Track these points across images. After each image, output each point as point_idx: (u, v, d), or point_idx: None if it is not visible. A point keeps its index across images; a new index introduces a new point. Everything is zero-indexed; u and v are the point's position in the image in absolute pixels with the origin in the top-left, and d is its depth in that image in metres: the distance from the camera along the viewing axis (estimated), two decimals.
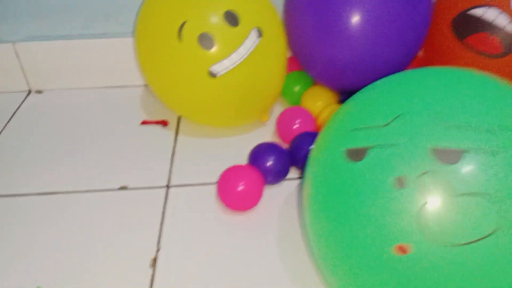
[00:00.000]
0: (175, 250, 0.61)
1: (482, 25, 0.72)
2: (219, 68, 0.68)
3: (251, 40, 0.68)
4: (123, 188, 0.72)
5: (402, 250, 0.35)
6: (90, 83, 0.96)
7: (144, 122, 0.87)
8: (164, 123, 0.86)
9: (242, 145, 0.77)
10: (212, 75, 0.68)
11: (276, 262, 0.58)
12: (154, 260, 0.60)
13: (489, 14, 0.71)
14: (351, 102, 0.45)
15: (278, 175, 0.68)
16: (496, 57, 0.72)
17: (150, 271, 0.58)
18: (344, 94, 0.83)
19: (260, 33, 0.69)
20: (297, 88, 0.88)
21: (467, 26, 0.73)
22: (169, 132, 0.84)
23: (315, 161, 0.45)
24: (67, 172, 0.75)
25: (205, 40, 0.66)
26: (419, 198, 0.35)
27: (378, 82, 0.45)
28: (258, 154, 0.68)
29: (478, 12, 0.72)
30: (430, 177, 0.35)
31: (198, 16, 0.66)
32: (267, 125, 0.84)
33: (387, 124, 0.38)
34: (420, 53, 0.83)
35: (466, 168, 0.34)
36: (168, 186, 0.72)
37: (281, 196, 0.69)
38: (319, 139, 0.47)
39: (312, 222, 0.43)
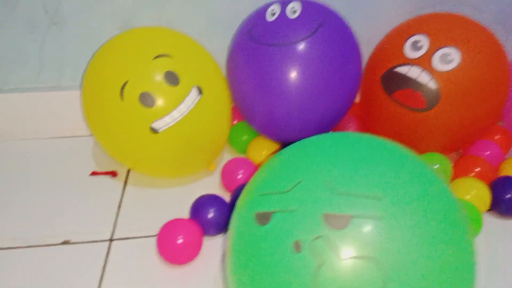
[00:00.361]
0: None
1: (407, 82, 0.78)
2: (161, 124, 0.71)
3: (191, 98, 0.72)
4: (66, 242, 0.73)
5: None
6: (41, 133, 0.97)
7: (93, 173, 0.88)
8: (113, 173, 0.88)
9: (189, 195, 0.79)
10: (154, 131, 0.71)
11: None
12: None
13: (412, 72, 0.77)
14: (265, 166, 0.49)
15: (219, 227, 0.71)
16: (421, 111, 0.78)
17: None
18: (287, 144, 0.87)
19: (200, 91, 0.73)
20: (244, 137, 0.92)
21: (394, 83, 0.79)
22: (117, 183, 0.86)
23: (234, 221, 0.48)
24: (9, 226, 0.75)
25: (146, 98, 0.70)
26: (313, 261, 0.38)
27: (292, 146, 0.49)
28: (199, 206, 0.71)
29: (403, 70, 0.78)
30: (322, 241, 0.38)
31: (139, 77, 0.70)
32: (214, 175, 0.87)
33: (289, 190, 0.42)
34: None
35: (354, 233, 0.38)
36: (111, 240, 0.73)
37: (221, 247, 0.71)
38: (239, 200, 0.50)
39: (230, 281, 0.46)
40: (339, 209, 0.39)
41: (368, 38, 0.90)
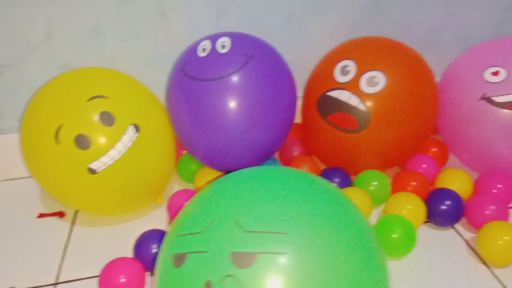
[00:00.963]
0: None
1: (339, 105, 0.81)
2: (98, 164, 0.72)
3: (128, 136, 0.73)
4: None
5: None
6: None
7: (41, 215, 0.88)
8: (61, 214, 0.88)
9: (136, 231, 0.79)
10: (92, 171, 0.72)
11: None
12: None
13: (343, 95, 0.81)
14: (187, 205, 0.50)
15: None
16: (353, 132, 0.81)
17: None
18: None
19: (137, 129, 0.75)
20: (192, 167, 0.93)
21: (328, 106, 0.83)
22: (65, 224, 0.86)
23: (158, 262, 0.49)
24: None
25: (81, 140, 0.71)
26: None
27: (213, 183, 0.51)
28: (141, 243, 0.72)
29: (334, 93, 0.82)
30: (231, 280, 0.40)
31: (74, 119, 0.71)
32: (163, 207, 0.88)
33: (202, 231, 0.44)
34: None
35: (260, 269, 0.40)
36: (56, 284, 0.73)
37: None
38: (164, 240, 0.51)
39: None
40: (245, 247, 0.41)
41: (304, 64, 0.94)
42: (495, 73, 0.80)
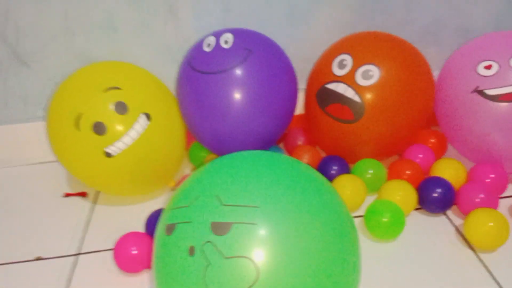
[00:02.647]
0: None
1: (336, 97, 0.86)
2: (113, 149, 0.80)
3: (140, 124, 0.81)
4: (38, 258, 0.82)
5: None
6: (19, 161, 1.08)
7: (67, 195, 0.98)
8: (84, 194, 0.98)
9: (150, 210, 0.88)
10: (108, 154, 0.81)
11: None
12: None
13: (340, 88, 0.86)
14: (182, 184, 0.58)
15: None
16: (350, 123, 0.86)
17: None
18: None
19: (148, 117, 0.83)
20: (202, 154, 1.01)
21: (326, 98, 0.88)
22: (87, 203, 0.96)
23: (156, 231, 0.57)
24: None
25: (99, 127, 0.79)
26: (203, 262, 0.47)
27: (205, 165, 0.58)
28: (152, 220, 0.80)
29: (332, 86, 0.87)
30: (210, 245, 0.47)
31: (92, 109, 0.79)
32: (175, 190, 0.96)
33: (190, 205, 0.51)
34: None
35: (234, 237, 0.47)
36: (78, 254, 0.82)
37: None
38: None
39: (154, 279, 0.55)
40: (223, 218, 0.48)
41: (306, 58, 1.00)
42: (488, 67, 0.82)
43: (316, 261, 0.47)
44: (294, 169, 0.55)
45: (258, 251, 0.46)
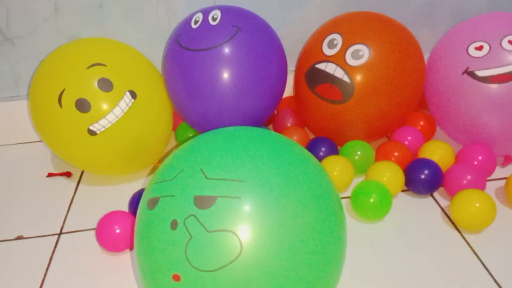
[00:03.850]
0: None
1: (325, 77, 0.85)
2: (97, 127, 0.78)
3: (125, 102, 0.79)
4: (19, 238, 0.80)
5: (176, 278, 0.46)
6: (2, 140, 1.05)
7: (50, 175, 0.96)
8: (68, 174, 0.96)
9: (134, 190, 0.87)
10: (92, 132, 0.79)
11: None
12: None
13: (329, 67, 0.85)
14: (165, 159, 0.56)
15: None
16: (339, 103, 0.85)
17: None
18: None
19: (134, 95, 0.81)
20: (189, 134, 0.99)
21: (315, 78, 0.87)
22: (71, 183, 0.94)
23: (139, 207, 0.55)
24: None
25: (82, 104, 0.77)
26: (185, 236, 0.46)
27: (190, 141, 0.57)
28: (134, 199, 0.79)
29: (321, 66, 0.86)
30: (193, 219, 0.46)
31: (75, 85, 0.77)
32: None
33: (173, 178, 0.49)
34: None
35: (218, 210, 0.45)
36: (60, 234, 0.81)
37: None
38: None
39: (136, 254, 0.54)
40: (207, 192, 0.46)
41: (298, 39, 0.98)
42: (479, 48, 0.82)
43: (301, 236, 0.46)
44: (280, 144, 0.54)
45: (242, 226, 0.45)
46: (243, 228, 0.45)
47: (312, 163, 0.54)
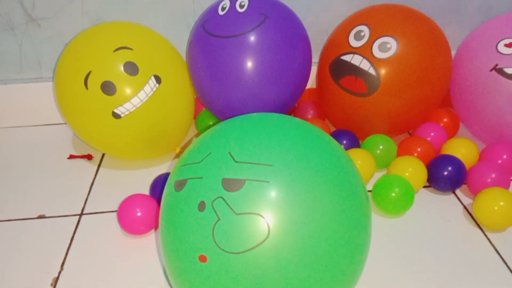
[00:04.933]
0: (77, 271, 0.70)
1: (351, 68, 0.84)
2: (122, 110, 0.79)
3: (150, 86, 0.80)
4: (41, 216, 0.81)
5: (203, 259, 0.46)
6: (25, 122, 1.06)
7: (71, 156, 0.97)
8: (89, 156, 0.97)
9: (155, 175, 0.87)
10: (117, 116, 0.79)
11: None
12: (56, 279, 0.69)
13: (355, 59, 0.84)
14: (192, 143, 0.56)
15: None
16: (363, 96, 0.84)
17: None
18: None
19: (158, 80, 0.81)
20: (210, 122, 0.99)
21: (340, 70, 0.86)
22: (92, 166, 0.95)
23: (165, 189, 0.56)
24: None
25: (107, 87, 0.78)
26: (213, 217, 0.46)
27: (218, 124, 0.57)
28: (156, 183, 0.79)
29: (347, 57, 0.85)
30: (221, 201, 0.46)
31: (101, 67, 0.77)
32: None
33: (201, 161, 0.50)
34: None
35: (246, 193, 0.45)
36: (81, 214, 0.82)
37: None
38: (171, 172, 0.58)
39: (161, 235, 0.54)
40: (236, 175, 0.46)
41: (323, 29, 0.97)
42: (509, 45, 0.80)
43: (328, 223, 0.46)
44: (308, 131, 0.53)
45: (271, 209, 0.45)
46: (271, 212, 0.45)
47: (339, 151, 0.54)
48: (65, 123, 1.08)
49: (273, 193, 0.45)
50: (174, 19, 0.98)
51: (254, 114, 0.57)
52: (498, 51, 0.81)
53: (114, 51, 0.78)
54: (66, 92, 0.81)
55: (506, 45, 0.80)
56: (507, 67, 0.79)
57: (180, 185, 0.50)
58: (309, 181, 0.47)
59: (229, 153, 0.48)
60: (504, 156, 0.83)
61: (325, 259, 0.46)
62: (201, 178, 0.48)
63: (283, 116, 0.56)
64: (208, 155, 0.49)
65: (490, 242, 0.73)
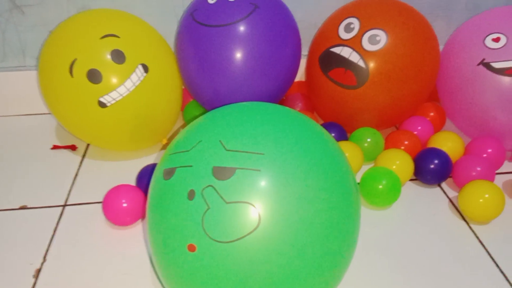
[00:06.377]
0: (60, 262, 0.68)
1: (340, 61, 0.84)
2: (108, 99, 0.77)
3: (137, 75, 0.78)
4: (23, 207, 0.79)
5: (191, 248, 0.45)
6: (8, 111, 1.04)
7: (54, 147, 0.95)
8: (73, 147, 0.95)
9: (141, 166, 0.86)
10: (102, 105, 0.77)
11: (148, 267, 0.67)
12: (38, 271, 0.67)
13: (344, 52, 0.84)
14: (181, 132, 0.55)
15: None
16: (352, 88, 0.84)
17: (32, 281, 0.66)
18: None
19: (146, 69, 0.79)
20: (198, 113, 0.98)
21: (329, 62, 0.86)
22: (76, 156, 0.93)
23: (153, 177, 0.55)
24: None
25: (93, 75, 0.76)
26: (202, 206, 0.45)
27: (208, 113, 0.56)
28: (143, 174, 0.78)
29: (336, 50, 0.85)
30: (211, 189, 0.45)
31: (87, 55, 0.75)
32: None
33: (190, 149, 0.49)
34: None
35: (237, 182, 0.45)
36: (64, 205, 0.80)
37: None
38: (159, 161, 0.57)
39: (148, 225, 0.53)
40: (226, 163, 0.46)
41: (313, 23, 0.97)
42: (496, 40, 0.81)
43: (319, 212, 0.46)
44: (300, 120, 0.53)
45: (261, 198, 0.44)
46: (262, 201, 0.44)
47: (330, 141, 0.53)
48: (49, 113, 1.05)
49: (264, 182, 0.45)
50: (161, 8, 0.96)
51: (246, 102, 0.56)
52: (485, 46, 0.82)
53: (101, 38, 0.77)
54: (50, 81, 0.79)
55: (493, 40, 0.81)
56: (494, 61, 0.80)
57: (169, 173, 0.49)
58: (300, 170, 0.46)
59: (220, 141, 0.47)
60: (489, 150, 0.84)
61: (315, 247, 0.46)
62: (191, 166, 0.47)
63: (274, 105, 0.56)
64: (197, 143, 0.49)
65: (475, 234, 0.74)
